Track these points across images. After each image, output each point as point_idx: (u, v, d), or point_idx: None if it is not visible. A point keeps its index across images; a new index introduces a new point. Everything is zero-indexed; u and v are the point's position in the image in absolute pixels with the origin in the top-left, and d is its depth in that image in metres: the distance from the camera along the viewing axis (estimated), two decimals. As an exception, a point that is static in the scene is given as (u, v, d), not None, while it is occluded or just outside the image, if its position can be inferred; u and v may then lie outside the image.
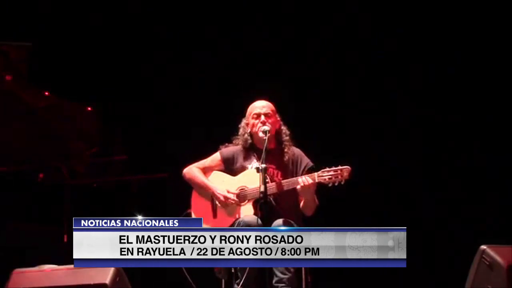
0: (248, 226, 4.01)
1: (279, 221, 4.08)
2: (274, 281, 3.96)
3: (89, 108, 5.54)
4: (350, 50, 6.00)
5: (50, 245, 5.15)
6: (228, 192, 4.25)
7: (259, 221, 3.92)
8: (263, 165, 3.94)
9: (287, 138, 4.35)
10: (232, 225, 4.18)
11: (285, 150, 4.32)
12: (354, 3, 5.99)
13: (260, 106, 4.35)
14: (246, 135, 4.35)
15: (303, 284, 4.18)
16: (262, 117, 4.29)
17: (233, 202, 4.23)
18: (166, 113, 6.27)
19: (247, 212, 4.18)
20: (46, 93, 5.37)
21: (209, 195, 4.30)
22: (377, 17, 5.97)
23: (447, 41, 5.85)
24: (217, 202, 4.29)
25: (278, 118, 4.37)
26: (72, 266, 3.76)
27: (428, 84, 5.90)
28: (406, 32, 5.89)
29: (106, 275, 3.67)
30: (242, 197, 4.24)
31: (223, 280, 4.27)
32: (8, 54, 5.17)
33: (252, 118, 4.33)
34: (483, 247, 3.60)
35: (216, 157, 4.42)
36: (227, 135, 4.49)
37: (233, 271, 4.15)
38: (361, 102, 5.99)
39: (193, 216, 4.34)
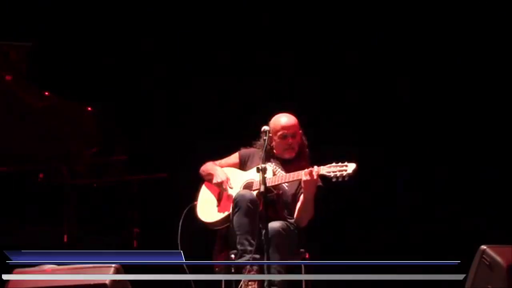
0: (243, 197, 4.10)
1: (276, 223, 4.09)
2: (265, 284, 3.96)
3: (89, 108, 5.53)
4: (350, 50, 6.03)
5: (50, 245, 5.14)
6: (228, 179, 4.32)
7: (253, 194, 4.07)
8: (263, 165, 3.96)
9: (306, 150, 4.41)
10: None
11: (301, 162, 4.34)
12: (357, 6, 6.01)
13: (287, 125, 4.36)
14: (268, 147, 4.25)
15: (303, 284, 4.19)
16: (290, 140, 4.33)
17: (229, 187, 4.29)
18: (167, 113, 6.27)
19: None
20: (46, 93, 5.37)
21: (217, 185, 4.36)
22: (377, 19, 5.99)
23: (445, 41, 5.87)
24: (224, 189, 4.33)
25: (300, 131, 4.40)
26: (72, 266, 3.77)
27: (429, 83, 5.91)
28: (404, 32, 5.92)
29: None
30: (248, 187, 4.30)
31: (223, 280, 4.28)
32: (8, 54, 5.17)
33: (278, 137, 4.34)
34: (483, 247, 3.60)
35: (234, 155, 4.51)
36: (229, 134, 4.50)
37: (233, 271, 4.15)
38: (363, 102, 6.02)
39: (198, 206, 4.37)
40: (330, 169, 4.03)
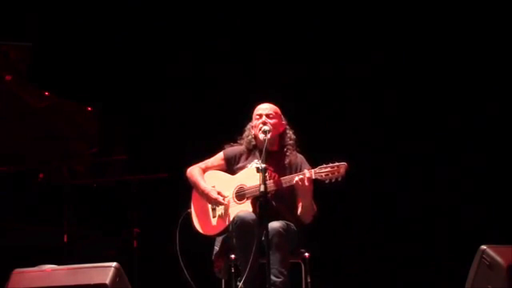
0: (242, 221, 4.04)
1: (276, 223, 4.08)
2: (267, 285, 3.94)
3: (89, 108, 5.53)
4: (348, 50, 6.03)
5: (50, 245, 5.14)
6: (219, 193, 4.26)
7: (253, 215, 4.02)
8: (263, 165, 3.94)
9: (291, 142, 4.36)
10: (229, 225, 4.19)
11: (287, 153, 4.32)
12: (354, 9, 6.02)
13: (263, 107, 4.37)
14: (250, 136, 4.38)
15: (303, 284, 4.19)
16: (264, 117, 4.30)
17: (223, 204, 4.23)
18: (166, 113, 6.28)
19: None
20: (46, 93, 5.37)
21: (212, 203, 4.31)
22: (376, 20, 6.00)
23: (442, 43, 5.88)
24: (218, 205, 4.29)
25: (283, 122, 4.38)
26: (72, 266, 3.77)
27: (428, 84, 5.91)
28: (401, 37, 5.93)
29: (106, 275, 3.66)
30: (240, 195, 4.25)
31: (223, 280, 4.27)
32: (8, 54, 5.17)
33: (255, 119, 4.36)
34: (483, 247, 3.60)
35: (219, 156, 4.44)
36: (228, 135, 4.50)
37: (233, 270, 4.14)
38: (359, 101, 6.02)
39: (193, 215, 4.36)
40: (322, 172, 4.00)
